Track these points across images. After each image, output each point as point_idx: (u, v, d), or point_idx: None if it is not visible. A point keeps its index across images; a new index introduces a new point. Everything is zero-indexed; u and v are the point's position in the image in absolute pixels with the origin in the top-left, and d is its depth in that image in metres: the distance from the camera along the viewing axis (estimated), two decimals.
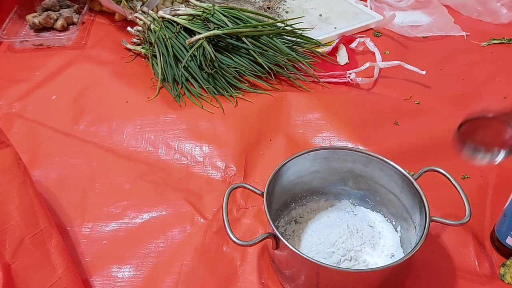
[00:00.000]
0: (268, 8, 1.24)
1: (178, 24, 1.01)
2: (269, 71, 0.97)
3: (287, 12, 1.24)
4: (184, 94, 0.96)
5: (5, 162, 0.62)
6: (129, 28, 1.10)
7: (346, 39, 1.12)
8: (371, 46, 1.09)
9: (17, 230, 0.58)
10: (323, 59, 1.05)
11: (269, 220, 0.59)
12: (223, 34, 0.97)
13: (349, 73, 0.99)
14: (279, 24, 1.03)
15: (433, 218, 0.60)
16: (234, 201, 0.77)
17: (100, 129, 0.89)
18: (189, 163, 0.83)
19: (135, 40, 1.09)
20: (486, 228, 0.73)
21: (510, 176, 0.80)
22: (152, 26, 1.02)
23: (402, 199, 0.67)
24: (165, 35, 1.00)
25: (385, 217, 0.72)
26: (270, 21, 1.03)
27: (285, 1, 1.28)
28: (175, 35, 1.00)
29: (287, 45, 1.01)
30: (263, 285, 0.66)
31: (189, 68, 0.98)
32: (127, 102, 0.94)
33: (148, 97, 0.95)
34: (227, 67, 0.97)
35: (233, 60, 0.98)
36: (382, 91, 0.99)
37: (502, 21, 1.20)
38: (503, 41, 1.13)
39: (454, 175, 0.64)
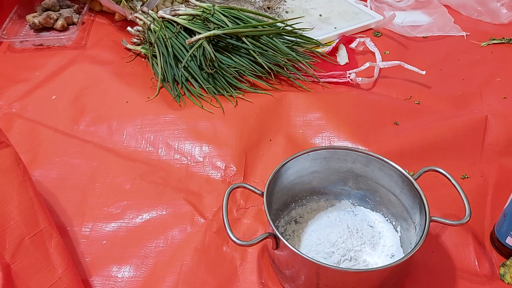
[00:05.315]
0: (268, 8, 1.24)
1: (178, 24, 1.01)
2: (269, 71, 0.97)
3: (287, 12, 1.23)
4: (184, 94, 0.96)
5: (5, 162, 0.62)
6: (129, 28, 1.10)
7: (346, 39, 1.11)
8: (371, 46, 1.09)
9: (17, 230, 0.58)
10: (323, 59, 1.05)
11: (269, 220, 0.59)
12: (223, 34, 0.97)
13: (349, 73, 0.99)
14: (279, 24, 1.03)
15: (433, 218, 0.60)
16: (234, 201, 0.77)
17: (100, 129, 0.89)
18: (189, 163, 0.83)
19: (135, 40, 1.09)
20: (486, 228, 0.73)
21: (510, 176, 0.80)
22: (152, 26, 1.02)
23: (402, 199, 0.67)
24: (165, 35, 1.00)
25: (385, 217, 0.72)
26: (270, 21, 1.03)
27: (285, 1, 1.28)
28: (175, 35, 1.00)
29: (287, 45, 1.01)
30: (263, 285, 0.66)
31: (189, 68, 0.98)
32: (127, 102, 0.94)
33: (148, 97, 0.95)
34: (227, 67, 0.97)
35: (233, 60, 0.98)
36: (382, 91, 0.99)
37: (502, 21, 1.20)
38: (503, 41, 1.13)
39: (454, 175, 0.64)
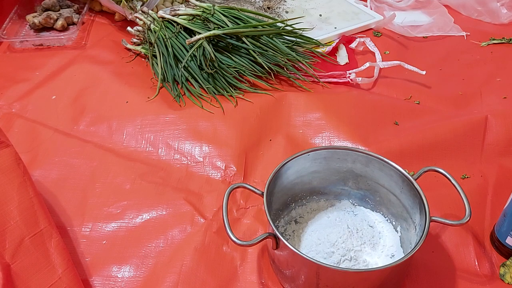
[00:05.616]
0: (268, 8, 1.24)
1: (178, 24, 1.01)
2: (269, 71, 0.97)
3: (287, 12, 1.24)
4: (184, 94, 0.96)
5: (5, 162, 0.62)
6: (129, 28, 1.10)
7: (346, 39, 1.11)
8: (371, 46, 1.09)
9: (17, 230, 0.58)
10: (323, 59, 1.05)
11: (269, 220, 0.59)
12: (223, 34, 0.97)
13: (349, 73, 0.99)
14: (279, 24, 1.03)
15: (433, 218, 0.60)
16: (234, 201, 0.77)
17: (100, 129, 0.89)
18: (189, 163, 0.83)
19: (135, 40, 1.09)
20: (486, 228, 0.73)
21: (510, 176, 0.80)
22: (152, 26, 1.02)
23: (402, 199, 0.67)
24: (165, 35, 1.00)
25: (385, 217, 0.72)
26: (270, 21, 1.03)
27: (285, 1, 1.28)
28: (175, 35, 1.00)
29: (287, 45, 1.01)
30: (263, 285, 0.66)
31: (189, 68, 0.98)
32: (127, 102, 0.94)
33: (148, 97, 0.95)
34: (227, 67, 0.97)
35: (233, 60, 0.98)
36: (382, 91, 0.99)
37: (502, 21, 1.20)
38: (503, 41, 1.13)
39: (454, 175, 0.64)
